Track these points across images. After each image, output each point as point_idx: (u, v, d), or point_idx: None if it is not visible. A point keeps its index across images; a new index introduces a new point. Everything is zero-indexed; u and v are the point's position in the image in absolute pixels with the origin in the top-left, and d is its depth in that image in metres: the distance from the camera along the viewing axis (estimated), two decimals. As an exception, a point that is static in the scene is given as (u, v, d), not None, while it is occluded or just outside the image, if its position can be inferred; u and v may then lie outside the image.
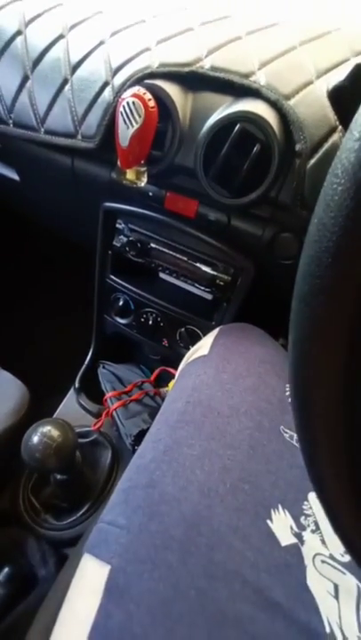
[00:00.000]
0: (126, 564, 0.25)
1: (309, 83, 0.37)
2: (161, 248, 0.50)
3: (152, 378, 0.64)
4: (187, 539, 0.25)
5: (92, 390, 0.65)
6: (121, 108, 0.35)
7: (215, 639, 0.21)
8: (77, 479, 0.47)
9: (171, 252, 0.50)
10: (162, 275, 0.55)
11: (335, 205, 0.12)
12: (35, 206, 0.68)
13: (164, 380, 0.64)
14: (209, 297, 0.54)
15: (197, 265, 0.49)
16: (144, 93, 0.35)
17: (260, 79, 0.37)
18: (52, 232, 0.73)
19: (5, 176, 0.59)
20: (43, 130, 0.45)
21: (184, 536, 0.25)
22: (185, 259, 0.50)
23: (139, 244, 0.51)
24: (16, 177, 0.58)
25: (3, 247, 0.86)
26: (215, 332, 0.43)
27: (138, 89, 0.35)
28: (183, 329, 0.56)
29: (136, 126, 0.35)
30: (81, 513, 0.48)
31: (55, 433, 0.37)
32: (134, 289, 0.56)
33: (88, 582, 0.25)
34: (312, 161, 0.36)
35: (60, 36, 0.43)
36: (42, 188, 0.59)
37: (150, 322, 0.57)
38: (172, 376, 0.62)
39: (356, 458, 0.14)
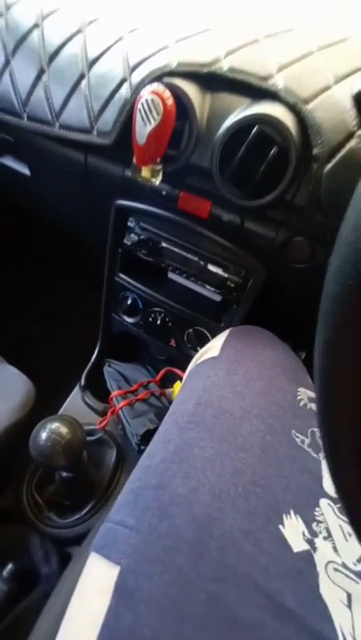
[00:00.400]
0: (136, 565, 0.25)
1: (327, 88, 0.36)
2: (172, 247, 0.50)
3: (158, 378, 0.63)
4: (197, 541, 0.25)
5: (98, 388, 0.65)
6: (139, 105, 0.35)
7: (226, 645, 0.21)
8: (82, 477, 0.47)
9: (182, 252, 0.50)
10: (171, 275, 0.55)
11: None
12: (44, 202, 0.68)
13: (169, 380, 0.64)
14: (218, 298, 0.53)
15: (208, 266, 0.49)
16: (163, 91, 0.35)
17: (279, 82, 0.37)
18: (61, 229, 0.72)
19: (16, 170, 0.59)
20: (58, 124, 0.45)
21: (195, 538, 0.25)
22: (196, 259, 0.49)
23: (150, 243, 0.51)
24: (27, 172, 0.58)
25: (12, 244, 0.86)
26: (225, 333, 0.43)
27: (157, 86, 0.35)
28: (191, 330, 0.56)
29: (154, 124, 0.35)
30: (85, 512, 0.48)
31: (64, 430, 0.36)
32: (143, 288, 0.56)
33: (97, 582, 0.25)
34: (329, 165, 0.35)
35: (78, 31, 0.43)
36: (53, 183, 0.59)
37: (158, 321, 0.57)
38: (178, 377, 0.62)
39: None
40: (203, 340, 0.55)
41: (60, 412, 0.62)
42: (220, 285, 0.50)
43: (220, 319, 0.53)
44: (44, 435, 0.36)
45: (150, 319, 0.57)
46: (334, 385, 0.15)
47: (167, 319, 0.56)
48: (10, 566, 0.41)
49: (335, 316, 0.14)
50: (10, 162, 0.59)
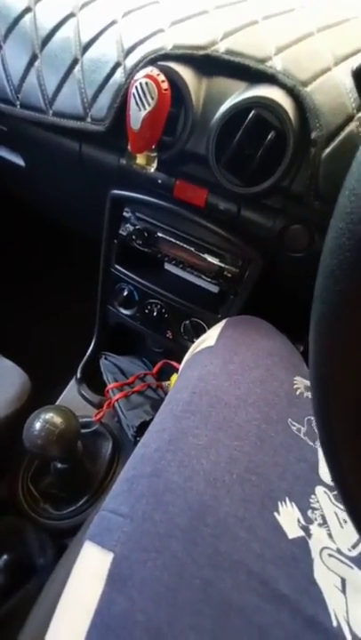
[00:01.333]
0: (130, 552, 0.24)
1: (327, 70, 0.36)
2: (168, 237, 0.50)
3: (154, 370, 0.63)
4: (192, 528, 0.25)
5: (94, 381, 0.65)
6: (133, 90, 0.34)
7: (220, 628, 0.21)
8: (78, 469, 0.46)
9: (178, 242, 0.49)
10: (167, 266, 0.55)
11: None
12: (39, 193, 0.67)
13: (166, 373, 0.64)
14: (215, 289, 0.53)
15: (205, 256, 0.49)
16: (157, 74, 0.34)
17: (277, 65, 0.36)
18: (56, 220, 0.72)
19: (10, 161, 0.58)
20: (51, 112, 0.44)
21: (189, 525, 0.25)
22: (192, 249, 0.49)
23: (145, 233, 0.50)
24: (21, 162, 0.57)
25: (5, 236, 0.85)
26: (222, 323, 0.43)
27: (151, 69, 0.34)
28: (188, 321, 0.55)
29: (149, 108, 0.34)
30: (80, 503, 0.48)
31: (58, 420, 0.36)
32: (139, 279, 0.55)
33: (91, 569, 0.25)
34: (327, 150, 0.35)
35: (71, 15, 0.42)
36: (47, 174, 0.58)
37: (155, 313, 0.56)
38: (175, 370, 0.61)
39: None
40: (200, 332, 0.54)
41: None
42: (216, 276, 0.49)
43: (217, 310, 0.53)
44: (37, 425, 0.35)
45: (147, 311, 0.57)
46: (329, 366, 0.15)
47: (164, 311, 0.56)
48: (5, 557, 0.41)
49: (332, 292, 0.13)
50: (4, 152, 0.58)
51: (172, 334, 0.58)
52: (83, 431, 0.52)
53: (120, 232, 0.53)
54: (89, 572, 0.25)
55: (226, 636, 0.21)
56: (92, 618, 0.22)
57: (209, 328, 0.52)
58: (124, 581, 0.23)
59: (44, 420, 0.36)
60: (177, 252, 0.50)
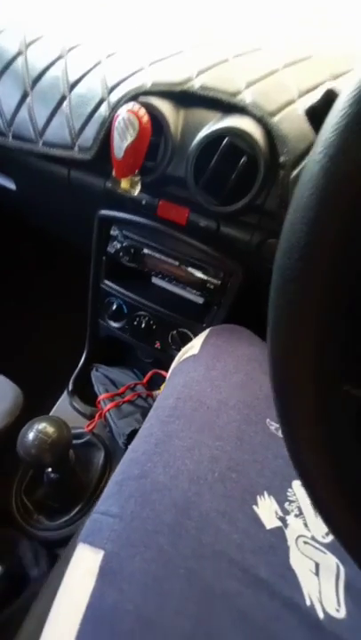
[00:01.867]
0: (119, 548, 0.26)
1: (292, 101, 0.40)
2: (154, 254, 0.53)
3: (145, 380, 0.65)
4: (177, 523, 0.26)
5: (86, 393, 0.66)
6: (116, 123, 0.38)
7: (204, 612, 0.23)
8: (70, 478, 0.48)
9: (163, 258, 0.52)
10: (155, 279, 0.58)
11: (303, 204, 0.14)
12: (31, 214, 0.70)
13: (156, 382, 0.65)
14: (200, 300, 0.56)
15: (189, 269, 0.52)
16: (138, 109, 0.37)
17: (247, 98, 0.40)
18: (47, 237, 0.74)
19: (2, 185, 0.61)
20: (41, 142, 0.47)
21: (174, 520, 0.26)
22: (177, 263, 0.52)
23: (132, 250, 0.53)
24: (12, 186, 0.60)
25: (-3, 252, 0.87)
26: (205, 332, 0.45)
27: (133, 105, 0.38)
28: (175, 331, 0.58)
29: (130, 139, 0.37)
30: (73, 513, 0.49)
31: (50, 429, 0.38)
32: (128, 293, 0.58)
33: (82, 567, 0.26)
34: (295, 172, 0.39)
35: (60, 57, 0.46)
36: (38, 196, 0.61)
37: (143, 325, 0.59)
38: (164, 379, 0.63)
39: (330, 425, 0.16)
40: (186, 341, 0.56)
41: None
42: (200, 288, 0.52)
43: (202, 320, 0.55)
44: (30, 434, 0.37)
45: (135, 323, 0.59)
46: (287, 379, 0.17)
47: (151, 322, 0.58)
48: (-1, 569, 0.41)
49: (286, 292, 0.16)
50: (-4, 177, 0.61)
51: (160, 344, 0.60)
52: (75, 442, 0.53)
53: (108, 249, 0.56)
54: (81, 570, 0.26)
55: (210, 620, 0.23)
56: (85, 611, 0.24)
57: (195, 337, 0.54)
58: (114, 575, 0.25)
59: (37, 430, 0.37)
60: (163, 266, 0.53)
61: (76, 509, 0.49)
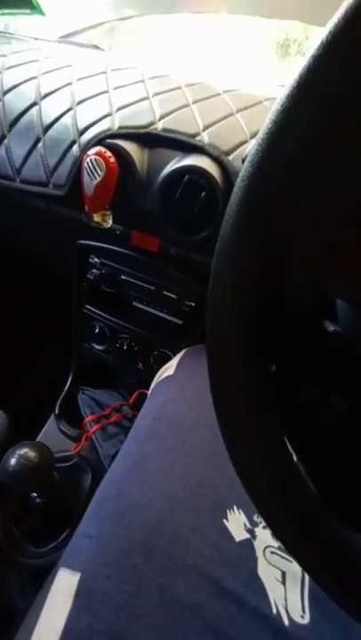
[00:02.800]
0: (95, 569, 0.27)
1: (244, 142, 0.44)
2: (131, 279, 0.55)
3: (130, 401, 0.66)
4: (150, 541, 0.28)
5: (73, 416, 0.67)
6: (85, 164, 0.41)
7: (174, 626, 0.24)
8: (56, 503, 0.48)
9: (140, 283, 0.55)
10: (135, 303, 0.60)
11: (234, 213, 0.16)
12: (13, 244, 0.73)
13: (142, 402, 0.67)
14: (180, 321, 0.58)
15: (164, 293, 0.54)
16: (105, 152, 0.41)
17: (205, 139, 0.44)
18: (30, 265, 0.77)
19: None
20: (18, 179, 0.50)
21: (147, 538, 0.28)
22: (153, 288, 0.55)
23: (111, 277, 0.56)
24: (-5, 219, 0.63)
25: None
26: (181, 353, 0.48)
27: (99, 148, 0.41)
28: (156, 352, 0.60)
29: (99, 179, 0.41)
30: (61, 538, 0.49)
31: (32, 454, 0.39)
32: (109, 317, 0.60)
33: (60, 591, 0.28)
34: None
35: (34, 103, 0.49)
36: (19, 228, 0.64)
37: (125, 347, 0.61)
38: (149, 397, 0.65)
39: (255, 394, 0.18)
40: (167, 361, 0.59)
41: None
42: (176, 310, 0.55)
43: (181, 340, 0.58)
44: (12, 460, 0.38)
45: (117, 345, 0.61)
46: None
47: (133, 344, 0.60)
48: (-14, 602, 0.41)
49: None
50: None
51: (142, 365, 0.62)
52: (62, 465, 0.54)
53: (88, 276, 0.58)
54: (58, 594, 0.28)
55: (180, 633, 0.24)
56: (60, 635, 0.25)
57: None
58: (89, 597, 0.26)
59: (18, 455, 0.38)
60: (140, 291, 0.56)
61: (65, 534, 0.49)
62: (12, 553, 0.48)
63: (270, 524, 0.18)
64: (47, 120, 0.48)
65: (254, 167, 0.15)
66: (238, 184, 0.16)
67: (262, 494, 0.19)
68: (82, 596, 0.26)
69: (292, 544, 0.18)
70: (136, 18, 0.82)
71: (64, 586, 0.27)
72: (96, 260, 0.57)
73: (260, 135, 0.14)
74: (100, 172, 0.41)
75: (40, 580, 0.47)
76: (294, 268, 0.17)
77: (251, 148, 0.15)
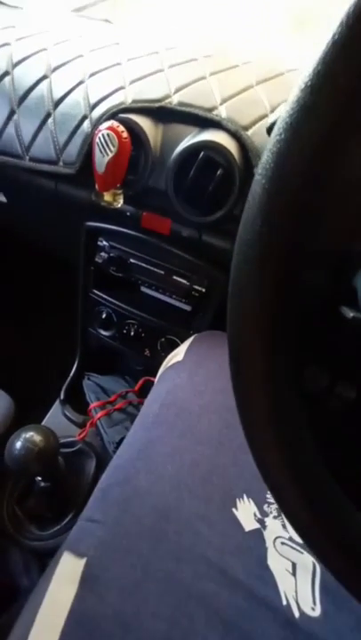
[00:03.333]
0: (102, 554, 0.27)
1: (264, 116, 0.42)
2: (140, 263, 0.54)
3: (136, 388, 0.66)
4: (157, 527, 0.27)
5: (78, 402, 0.67)
6: (97, 139, 0.39)
7: (180, 614, 0.23)
8: (61, 487, 0.48)
9: (149, 267, 0.54)
10: (143, 288, 0.59)
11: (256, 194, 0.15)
12: (22, 225, 0.71)
13: (147, 390, 0.66)
14: (187, 307, 0.57)
15: (174, 278, 0.53)
16: (117, 126, 0.39)
17: (222, 113, 0.42)
18: (38, 248, 0.76)
19: (-6, 198, 0.62)
20: (28, 157, 0.49)
21: (155, 525, 0.27)
22: (162, 272, 0.53)
23: (119, 260, 0.55)
24: (4, 199, 0.62)
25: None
26: (190, 340, 0.46)
27: (112, 122, 0.39)
28: (163, 338, 0.59)
29: (111, 155, 0.39)
30: (65, 522, 0.49)
31: (37, 438, 0.38)
32: (116, 302, 0.59)
33: (65, 575, 0.27)
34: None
35: (44, 77, 0.48)
36: (28, 209, 0.62)
37: (132, 333, 0.59)
38: (156, 385, 0.64)
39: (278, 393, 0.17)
40: (175, 348, 0.57)
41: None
42: (186, 295, 0.53)
43: (189, 327, 0.56)
44: (18, 444, 0.38)
45: (125, 331, 0.60)
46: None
47: (140, 330, 0.59)
48: (-10, 580, 0.41)
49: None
50: (-13, 191, 0.62)
51: (149, 352, 0.61)
52: (66, 450, 0.54)
53: (96, 260, 0.57)
54: (64, 578, 0.27)
55: (185, 620, 0.23)
56: (67, 618, 0.24)
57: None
58: (95, 581, 0.25)
59: (24, 439, 0.38)
60: (149, 275, 0.54)
61: (68, 518, 0.49)
62: (15, 534, 0.48)
63: (284, 509, 0.17)
64: (58, 94, 0.47)
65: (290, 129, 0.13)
66: (272, 145, 0.14)
67: (278, 481, 0.17)
68: (88, 580, 0.25)
69: (305, 530, 0.17)
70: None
71: (70, 570, 0.27)
72: (105, 242, 0.55)
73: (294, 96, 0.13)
74: (112, 148, 0.39)
75: (44, 561, 0.47)
76: (327, 234, 0.15)
77: (281, 113, 0.14)
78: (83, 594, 0.25)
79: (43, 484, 0.45)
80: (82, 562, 0.27)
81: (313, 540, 0.17)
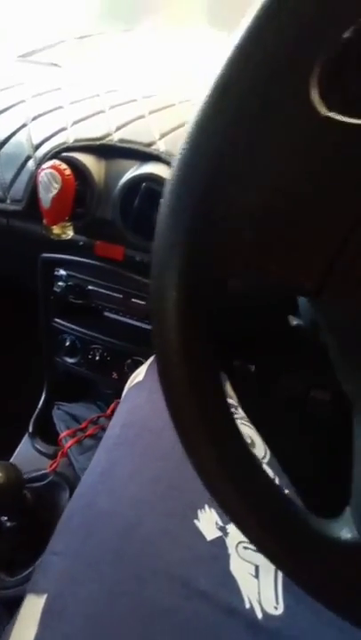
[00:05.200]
0: (63, 587, 0.26)
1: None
2: (98, 289, 0.55)
3: (108, 412, 0.65)
4: (119, 549, 0.27)
5: (49, 433, 0.65)
6: (40, 178, 0.41)
7: (147, 634, 0.24)
8: (30, 524, 0.46)
9: (108, 292, 0.55)
10: (105, 312, 0.60)
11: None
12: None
13: (119, 412, 0.66)
14: (149, 327, 0.58)
15: (133, 300, 0.55)
16: (59, 164, 0.41)
17: (161, 147, 0.45)
18: None
19: None
20: (-24, 196, 0.50)
21: (116, 547, 0.28)
22: (121, 296, 0.55)
23: (77, 288, 0.56)
24: None
25: None
26: (151, 359, 0.48)
27: (54, 161, 0.42)
28: (130, 360, 0.59)
29: (55, 191, 0.41)
30: (37, 564, 0.47)
31: (-2, 475, 0.37)
32: (79, 328, 0.60)
33: (26, 617, 0.26)
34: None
35: (-12, 120, 0.50)
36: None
37: (97, 357, 0.60)
38: (127, 407, 0.64)
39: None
40: (141, 369, 0.59)
41: (11, 461, 0.61)
42: (146, 316, 0.55)
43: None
44: (-22, 483, 0.37)
45: (90, 356, 0.60)
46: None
47: (105, 354, 0.60)
48: None
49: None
50: None
51: (117, 375, 0.61)
52: (36, 485, 0.52)
53: (55, 289, 0.58)
54: (24, 620, 0.26)
55: (154, 637, 0.23)
56: None
57: (147, 364, 0.56)
58: (57, 618, 0.25)
59: (-16, 478, 0.37)
60: (108, 300, 0.56)
61: (41, 559, 0.47)
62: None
63: (233, 519, 0.18)
64: (1, 136, 0.49)
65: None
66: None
67: (218, 487, 0.19)
68: (48, 619, 0.25)
69: (253, 534, 0.18)
70: (96, 35, 0.84)
71: (30, 610, 0.26)
72: (62, 272, 0.57)
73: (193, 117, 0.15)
74: (55, 185, 0.41)
75: (16, 610, 0.44)
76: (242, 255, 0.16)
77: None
78: (44, 634, 0.24)
79: (9, 523, 0.44)
80: (42, 599, 0.26)
81: (263, 545, 0.17)
